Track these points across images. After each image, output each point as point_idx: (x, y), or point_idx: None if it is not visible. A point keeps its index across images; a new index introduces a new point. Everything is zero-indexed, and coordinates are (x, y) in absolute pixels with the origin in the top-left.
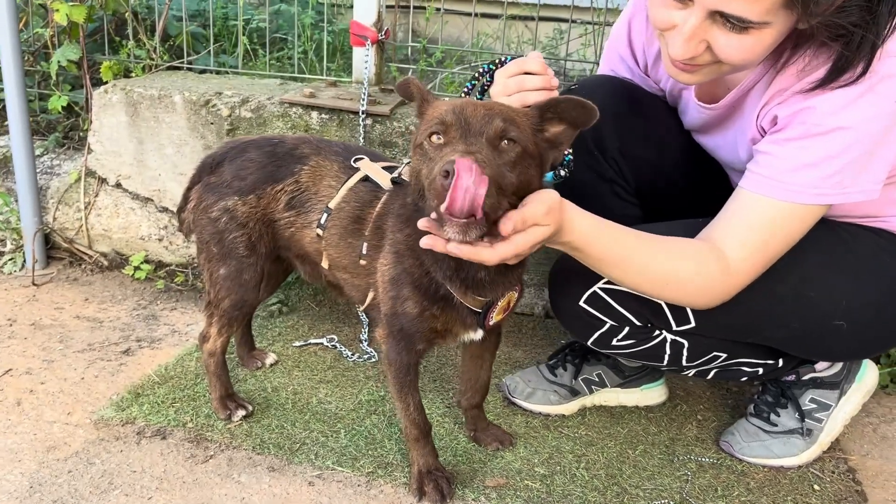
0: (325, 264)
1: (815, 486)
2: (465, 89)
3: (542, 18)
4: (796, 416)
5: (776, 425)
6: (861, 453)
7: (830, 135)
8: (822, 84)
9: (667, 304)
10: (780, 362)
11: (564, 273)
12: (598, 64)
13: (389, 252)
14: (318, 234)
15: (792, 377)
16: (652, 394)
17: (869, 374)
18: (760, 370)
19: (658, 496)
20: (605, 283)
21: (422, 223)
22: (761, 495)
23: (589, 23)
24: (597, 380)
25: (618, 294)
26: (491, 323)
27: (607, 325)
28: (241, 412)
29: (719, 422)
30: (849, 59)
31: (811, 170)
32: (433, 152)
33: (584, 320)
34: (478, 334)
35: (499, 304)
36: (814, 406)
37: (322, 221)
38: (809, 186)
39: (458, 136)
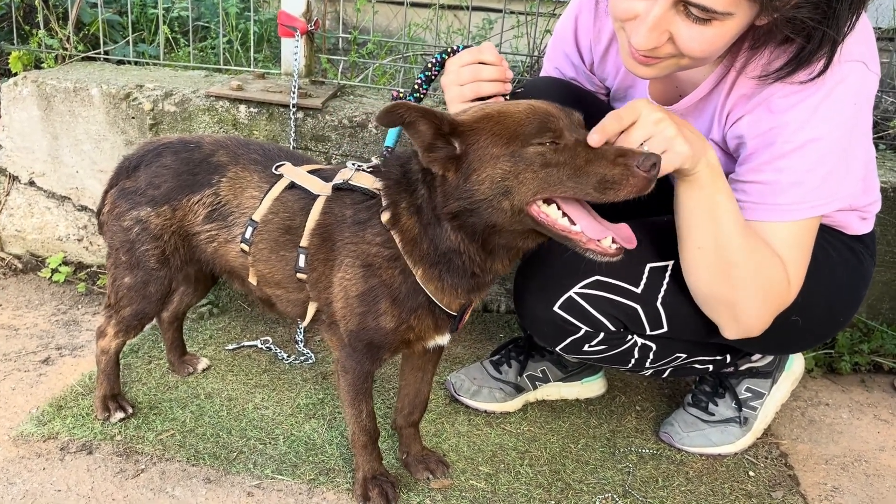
0: (252, 280)
1: (751, 473)
2: (418, 80)
3: (474, 8)
4: (734, 405)
5: (714, 414)
6: (791, 437)
7: (804, 149)
8: (781, 73)
9: (643, 309)
10: (728, 358)
11: (536, 277)
12: (530, 56)
13: (354, 265)
14: (243, 250)
15: (730, 368)
16: (592, 386)
17: (797, 362)
18: (710, 366)
19: (602, 490)
20: (581, 287)
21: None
22: (700, 484)
23: (521, 13)
24: (541, 376)
25: (594, 299)
26: (461, 325)
27: (582, 332)
28: (120, 414)
29: (657, 412)
30: (810, 52)
31: (797, 187)
32: (558, 155)
33: (557, 326)
34: (446, 339)
35: (473, 305)
36: (749, 395)
37: (247, 235)
38: (801, 202)
39: (571, 133)
